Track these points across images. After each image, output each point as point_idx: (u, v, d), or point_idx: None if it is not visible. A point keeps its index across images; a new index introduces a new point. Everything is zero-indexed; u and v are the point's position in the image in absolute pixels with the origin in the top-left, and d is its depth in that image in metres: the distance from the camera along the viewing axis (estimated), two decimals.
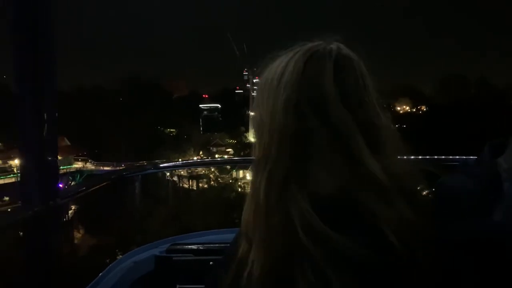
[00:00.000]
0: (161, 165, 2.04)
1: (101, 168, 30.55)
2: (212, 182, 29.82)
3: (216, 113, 46.55)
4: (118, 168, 27.58)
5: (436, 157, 1.78)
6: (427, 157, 1.73)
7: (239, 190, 27.54)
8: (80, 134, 30.44)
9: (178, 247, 1.38)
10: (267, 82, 0.60)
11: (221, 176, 30.14)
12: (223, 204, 20.66)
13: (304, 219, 0.50)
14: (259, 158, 0.58)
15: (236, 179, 29.49)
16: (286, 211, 0.51)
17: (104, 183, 1.55)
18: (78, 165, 31.23)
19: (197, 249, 1.35)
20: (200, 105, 46.27)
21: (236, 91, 52.25)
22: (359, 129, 0.54)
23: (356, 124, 0.54)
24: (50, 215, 1.22)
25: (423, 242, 0.51)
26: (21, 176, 1.19)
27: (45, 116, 1.22)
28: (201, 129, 41.04)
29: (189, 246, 1.38)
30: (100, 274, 1.24)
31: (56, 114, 1.31)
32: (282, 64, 0.59)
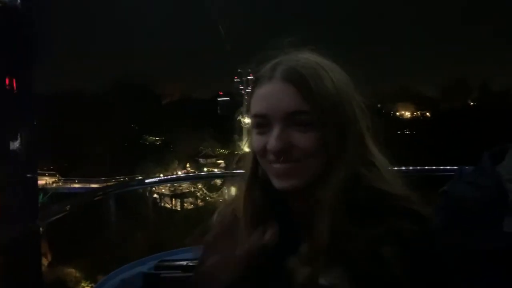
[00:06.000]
0: (147, 181, 2.20)
1: (70, 185, 30.08)
2: (200, 202, 29.52)
3: None
4: (88, 185, 27.10)
5: (427, 167, 2.03)
6: (417, 167, 1.98)
7: None
8: (49, 144, 29.98)
9: (166, 263, 1.55)
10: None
11: (210, 194, 29.90)
12: None
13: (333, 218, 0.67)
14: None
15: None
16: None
17: (86, 202, 1.68)
18: (43, 181, 30.47)
19: (186, 266, 1.52)
20: None
21: (219, 99, 48.09)
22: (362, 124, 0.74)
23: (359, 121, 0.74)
24: (30, 239, 1.32)
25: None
26: None
27: (23, 129, 1.31)
28: None
29: (177, 263, 1.55)
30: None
31: (34, 126, 1.39)
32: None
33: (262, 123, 0.75)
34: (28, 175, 1.40)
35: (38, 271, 1.41)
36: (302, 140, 0.71)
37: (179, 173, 29.90)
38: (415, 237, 0.65)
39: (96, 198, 1.67)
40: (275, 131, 0.72)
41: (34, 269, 1.35)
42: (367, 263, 0.63)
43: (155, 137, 39.47)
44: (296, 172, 0.71)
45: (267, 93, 0.74)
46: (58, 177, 31.56)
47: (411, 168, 2.11)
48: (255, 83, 0.78)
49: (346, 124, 0.72)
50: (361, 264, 0.63)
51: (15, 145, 1.26)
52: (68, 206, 1.53)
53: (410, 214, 0.67)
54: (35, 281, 1.35)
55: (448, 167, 1.97)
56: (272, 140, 0.71)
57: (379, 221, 0.66)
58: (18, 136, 1.26)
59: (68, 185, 30.00)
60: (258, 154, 0.76)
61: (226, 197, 1.01)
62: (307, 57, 0.76)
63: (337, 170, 0.70)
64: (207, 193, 29.96)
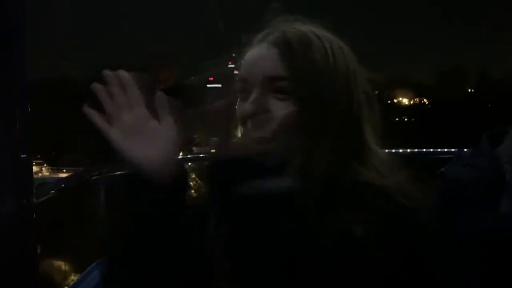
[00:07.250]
0: None
1: (58, 175, 29.63)
2: (193, 192, 29.53)
3: None
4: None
5: (425, 150, 2.07)
6: (416, 150, 2.02)
7: None
8: (36, 132, 29.64)
9: None
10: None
11: (202, 181, 29.86)
12: None
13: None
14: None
15: None
16: None
17: (81, 182, 1.69)
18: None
19: None
20: None
21: (209, 86, 46.07)
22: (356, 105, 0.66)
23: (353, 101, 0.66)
24: (24, 216, 1.35)
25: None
26: None
27: (16, 110, 1.36)
28: None
29: None
30: (80, 275, 1.39)
31: (28, 107, 1.44)
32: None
33: (243, 88, 0.70)
34: (22, 155, 1.43)
35: (33, 249, 1.43)
36: (279, 107, 0.65)
37: None
38: (397, 215, 0.60)
39: (94, 178, 1.66)
40: (252, 95, 0.67)
41: (29, 245, 1.37)
42: (339, 239, 0.58)
43: None
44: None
45: (251, 57, 0.71)
46: (45, 166, 31.29)
47: (408, 150, 2.14)
48: (245, 51, 0.73)
49: (333, 104, 0.64)
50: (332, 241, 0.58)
51: (10, 130, 1.28)
52: (63, 185, 1.53)
53: (398, 205, 0.61)
54: (29, 262, 1.37)
55: (445, 150, 2.02)
56: (248, 104, 0.67)
57: (360, 203, 0.61)
58: (11, 118, 1.30)
59: (56, 175, 29.74)
60: (240, 123, 0.71)
61: None
62: (304, 26, 0.70)
63: (316, 158, 0.62)
64: (200, 182, 29.92)
